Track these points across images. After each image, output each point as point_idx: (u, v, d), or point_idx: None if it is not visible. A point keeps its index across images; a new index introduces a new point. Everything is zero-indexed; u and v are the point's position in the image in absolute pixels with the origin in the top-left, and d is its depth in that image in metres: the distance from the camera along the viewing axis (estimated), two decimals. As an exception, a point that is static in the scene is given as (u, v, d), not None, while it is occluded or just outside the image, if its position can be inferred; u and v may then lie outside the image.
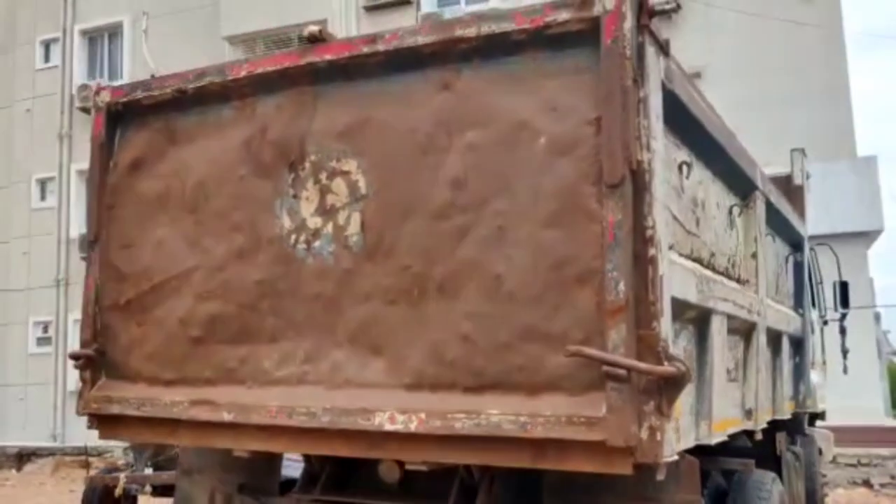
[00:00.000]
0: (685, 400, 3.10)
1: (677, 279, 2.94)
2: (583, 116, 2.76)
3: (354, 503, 3.56)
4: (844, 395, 11.57)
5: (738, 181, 4.26)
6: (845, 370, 8.60)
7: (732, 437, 4.12)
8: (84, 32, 19.40)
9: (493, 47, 2.92)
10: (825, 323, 8.53)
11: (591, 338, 2.65)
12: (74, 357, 3.66)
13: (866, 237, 13.54)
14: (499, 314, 2.81)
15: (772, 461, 5.21)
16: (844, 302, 8.54)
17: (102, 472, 9.44)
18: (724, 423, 3.71)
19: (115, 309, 3.62)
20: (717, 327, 3.54)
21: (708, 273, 3.54)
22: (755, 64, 13.74)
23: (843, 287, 8.53)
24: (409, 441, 2.92)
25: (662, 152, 2.82)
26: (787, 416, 5.47)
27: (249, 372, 3.28)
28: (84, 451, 12.87)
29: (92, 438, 13.98)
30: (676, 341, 3.07)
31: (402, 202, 3.04)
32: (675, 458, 2.76)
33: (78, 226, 17.85)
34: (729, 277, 4.02)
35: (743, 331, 4.23)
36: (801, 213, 6.73)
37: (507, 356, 2.79)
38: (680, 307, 3.01)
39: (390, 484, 3.52)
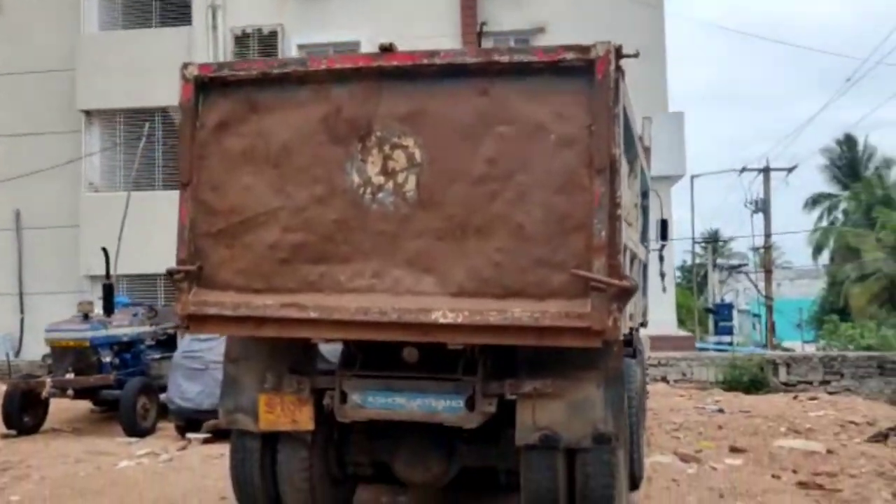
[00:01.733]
0: (618, 305, 4.84)
1: (623, 230, 4.61)
2: (581, 123, 4.31)
3: (384, 376, 5.01)
4: (650, 310, 14.18)
5: (632, 151, 6.00)
6: (664, 290, 10.90)
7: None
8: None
9: (521, 70, 4.38)
10: (649, 252, 10.74)
11: (582, 265, 4.26)
12: (173, 272, 4.80)
13: (671, 180, 16.17)
14: (520, 249, 4.35)
15: (632, 353, 7.21)
16: (664, 236, 10.77)
17: (22, 378, 10.12)
18: (627, 322, 5.50)
19: (206, 236, 4.78)
20: (629, 258, 5.29)
21: (625, 223, 5.26)
22: (589, 22, 15.76)
23: (664, 224, 10.74)
24: (455, 330, 4.42)
25: (623, 148, 4.45)
26: (641, 321, 7.47)
27: (328, 283, 4.61)
28: (7, 361, 13.20)
29: None
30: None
31: (448, 171, 4.46)
32: (622, 339, 4.49)
33: None
34: (628, 223, 5.78)
35: (631, 260, 6.04)
36: (648, 167, 8.71)
37: (525, 276, 4.35)
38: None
39: (411, 364, 4.99)
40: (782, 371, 13.42)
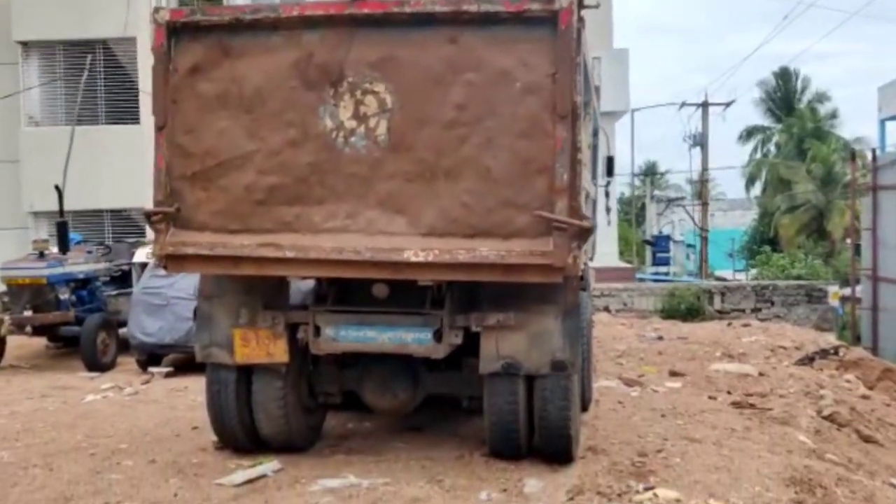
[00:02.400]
0: (576, 242, 5.19)
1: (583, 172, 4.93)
2: (545, 71, 4.56)
3: (356, 310, 5.29)
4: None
5: (587, 95, 6.27)
6: (609, 223, 11.35)
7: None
8: None
9: (487, 19, 4.59)
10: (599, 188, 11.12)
11: (544, 206, 4.57)
12: (151, 214, 4.97)
13: (615, 116, 16.57)
14: (487, 191, 4.64)
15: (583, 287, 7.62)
16: (610, 172, 11.13)
17: (-21, 316, 10.13)
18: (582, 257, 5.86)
19: (182, 179, 4.94)
20: (583, 200, 5.62)
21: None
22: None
23: (610, 161, 11.08)
24: (425, 268, 4.72)
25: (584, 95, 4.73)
26: (591, 256, 7.87)
27: (303, 224, 4.84)
28: None
29: None
30: (574, 206, 5.10)
31: (418, 116, 4.69)
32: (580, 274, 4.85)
33: None
34: (582, 165, 6.10)
35: (585, 199, 6.38)
36: (598, 107, 9.02)
37: (491, 216, 4.64)
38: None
39: (381, 299, 5.29)
40: (717, 300, 14.15)
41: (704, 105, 26.50)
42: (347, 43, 4.75)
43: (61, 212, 10.53)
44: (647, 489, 4.85)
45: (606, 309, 14.31)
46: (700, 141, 26.50)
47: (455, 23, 4.63)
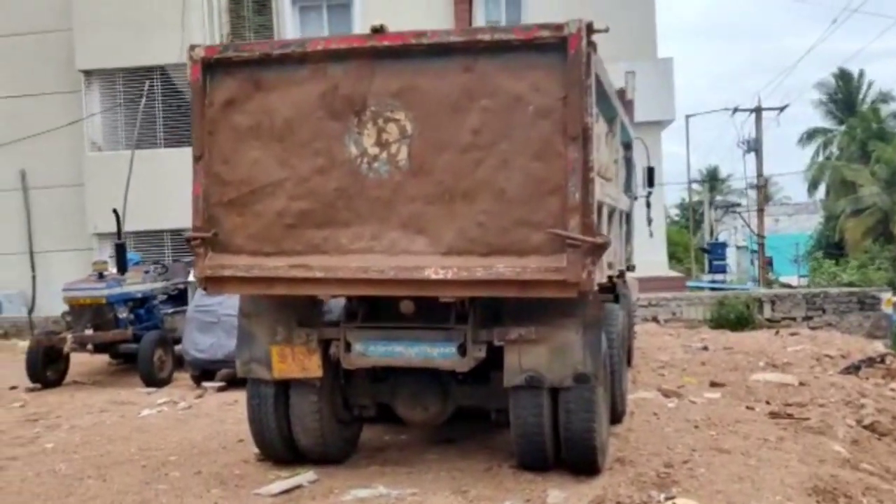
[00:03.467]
0: (595, 257, 5.34)
1: (597, 189, 5.08)
2: (556, 95, 4.74)
3: (384, 326, 5.53)
4: (640, 253, 14.71)
5: (609, 112, 6.43)
6: (651, 235, 11.38)
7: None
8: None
9: (500, 47, 4.79)
10: (635, 199, 11.19)
11: (558, 224, 4.75)
12: (191, 239, 5.29)
13: (660, 125, 16.54)
14: (502, 211, 4.83)
15: (615, 299, 7.73)
16: (650, 182, 11.22)
17: (44, 334, 10.70)
18: (605, 271, 6.00)
19: (219, 205, 5.25)
20: (605, 213, 5.77)
21: (601, 180, 5.71)
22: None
23: (650, 171, 11.18)
24: (445, 285, 4.93)
25: (596, 117, 4.89)
26: (624, 268, 7.98)
27: (331, 246, 5.10)
28: (29, 319, 13.86)
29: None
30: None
31: (437, 141, 4.92)
32: (597, 289, 5.00)
33: None
34: (606, 179, 6.24)
35: (610, 213, 6.52)
36: (631, 120, 9.13)
37: (507, 235, 4.83)
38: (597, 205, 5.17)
39: (408, 315, 5.52)
40: (767, 308, 14.00)
41: (758, 110, 26.16)
42: (370, 74, 5.01)
43: (119, 234, 11.05)
44: (668, 499, 4.96)
45: (655, 319, 14.29)
46: (754, 146, 26.16)
47: (470, 52, 4.85)
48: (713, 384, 8.69)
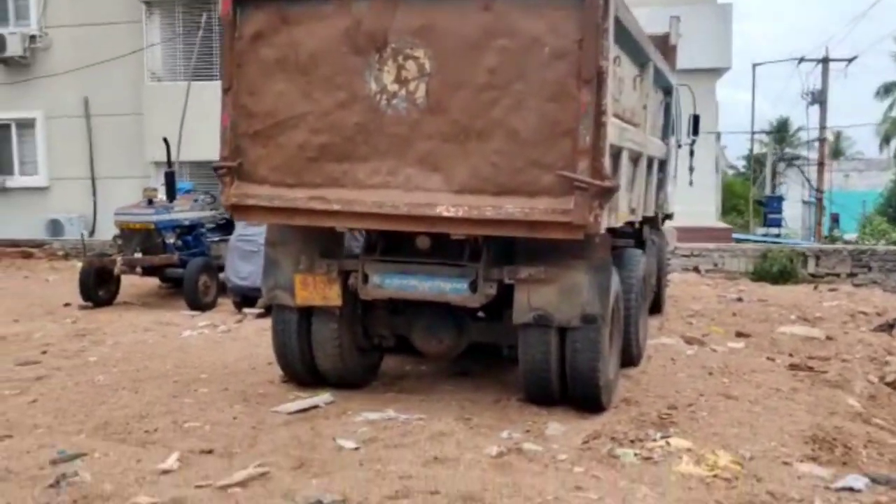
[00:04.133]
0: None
1: (611, 133, 5.12)
2: (572, 37, 4.78)
3: (400, 261, 5.73)
4: (687, 203, 14.58)
5: (639, 57, 6.40)
6: (691, 183, 11.28)
7: (623, 225, 6.56)
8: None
9: (519, -12, 4.84)
10: (679, 146, 11.08)
11: (568, 166, 4.83)
12: (218, 168, 5.52)
13: (716, 73, 16.18)
14: (515, 151, 4.93)
15: (640, 244, 7.79)
16: (696, 131, 11.08)
17: (96, 256, 11.22)
18: (621, 216, 6.06)
19: (245, 136, 5.47)
20: (624, 158, 5.81)
21: (623, 124, 5.74)
22: None
23: (696, 120, 11.03)
24: (456, 222, 5.08)
25: (613, 60, 4.92)
26: (651, 214, 7.99)
27: (349, 180, 5.27)
28: (81, 241, 14.56)
29: (19, 233, 15.55)
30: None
31: (454, 79, 5.02)
32: (603, 232, 5.10)
33: None
34: (631, 124, 6.25)
35: (635, 158, 6.54)
36: (673, 66, 9.01)
37: (518, 175, 4.94)
38: (611, 148, 5.23)
39: (423, 250, 5.70)
40: (811, 263, 13.79)
41: (825, 61, 25.27)
42: (392, 11, 5.10)
43: (169, 162, 11.41)
44: (663, 438, 5.11)
45: (696, 269, 14.20)
46: (819, 98, 25.35)
47: (489, -9, 4.90)
48: (739, 334, 8.72)
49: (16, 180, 19.10)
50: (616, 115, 5.56)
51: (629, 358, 6.93)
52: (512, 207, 4.95)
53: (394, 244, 5.80)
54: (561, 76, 4.82)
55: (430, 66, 5.06)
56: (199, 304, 10.52)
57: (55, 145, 18.77)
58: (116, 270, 10.60)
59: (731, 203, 41.12)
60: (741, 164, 50.50)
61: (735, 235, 19.60)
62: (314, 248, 5.91)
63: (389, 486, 4.24)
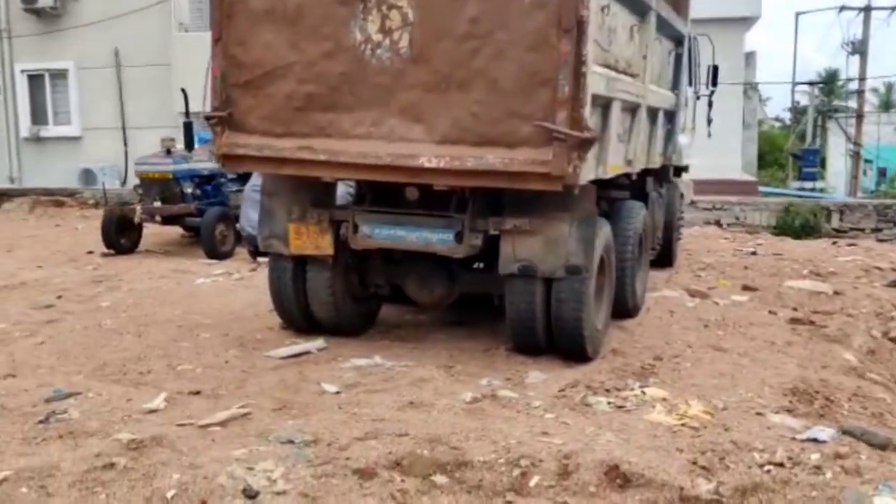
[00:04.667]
0: (592, 152, 5.41)
1: (595, 82, 5.09)
2: (551, -14, 4.75)
3: (389, 211, 5.81)
4: (712, 155, 14.39)
5: (638, 7, 6.31)
6: (710, 135, 11.11)
7: (618, 177, 6.54)
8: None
9: (499, -63, 4.80)
10: (698, 98, 10.90)
11: (547, 117, 4.84)
12: (209, 118, 5.63)
13: (745, 22, 15.80)
14: (495, 101, 4.94)
15: (642, 196, 7.76)
16: (714, 82, 10.87)
17: (118, 205, 11.49)
18: (613, 167, 6.04)
19: (235, 86, 5.54)
20: (615, 109, 5.77)
21: (613, 74, 5.69)
22: None
23: (715, 70, 10.80)
24: (438, 173, 5.13)
25: (596, 9, 4.88)
26: (656, 166, 7.93)
27: (335, 130, 5.34)
28: (102, 190, 14.88)
29: (53, 181, 15.96)
30: (592, 118, 5.30)
31: (436, 29, 5.02)
32: (584, 183, 5.10)
33: (26, 125, 18.99)
34: (626, 74, 6.19)
35: (631, 109, 6.48)
36: (685, 16, 8.83)
37: (498, 126, 4.96)
38: (596, 98, 5.20)
39: (412, 201, 5.76)
40: (835, 217, 13.58)
41: (867, 9, 24.43)
42: (376, -39, 5.10)
43: (187, 112, 11.56)
44: (641, 387, 5.18)
45: (717, 223, 14.06)
46: (859, 48, 24.58)
47: (470, -60, 4.87)
48: (745, 288, 8.68)
49: (50, 130, 19.53)
50: (606, 65, 5.53)
51: (625, 309, 6.98)
52: (492, 158, 4.98)
53: (384, 195, 5.87)
54: (541, 25, 4.80)
55: (413, 15, 5.07)
56: (216, 253, 10.75)
57: (87, 95, 19.11)
58: (136, 219, 10.87)
59: (773, 156, 40.28)
60: (787, 117, 49.32)
61: (768, 189, 19.32)
62: (306, 197, 6.01)
63: (361, 428, 4.37)
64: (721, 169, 14.94)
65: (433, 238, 5.68)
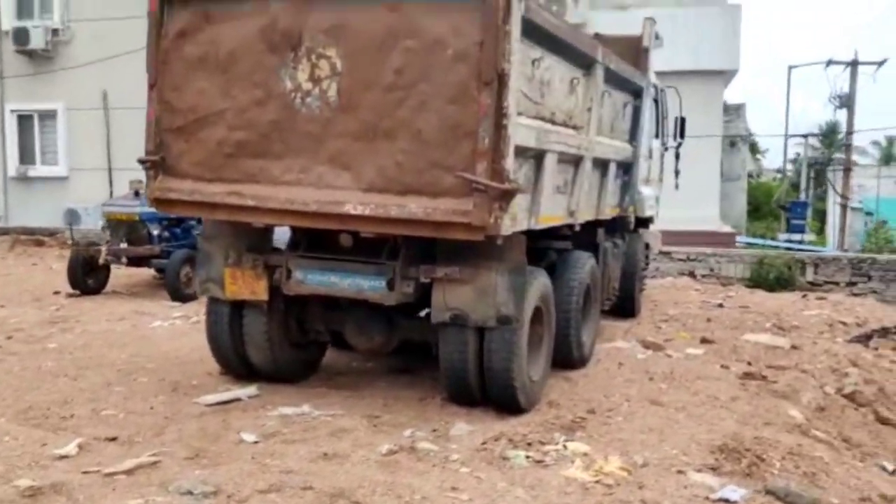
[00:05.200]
0: (523, 203, 5.41)
1: (522, 134, 5.10)
2: (473, 39, 4.79)
3: (323, 257, 5.79)
4: (689, 207, 14.43)
5: (580, 60, 6.36)
6: (677, 187, 11.14)
7: (560, 227, 6.53)
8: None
9: (424, -10, 4.86)
10: (666, 149, 10.96)
11: (468, 168, 4.84)
12: (143, 161, 5.65)
13: (723, 75, 15.94)
14: (419, 151, 4.96)
15: (592, 247, 7.73)
16: (681, 134, 10.94)
17: (84, 246, 11.49)
18: (549, 218, 6.04)
19: (169, 131, 5.58)
20: (550, 160, 5.78)
21: (547, 126, 5.71)
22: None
23: (682, 122, 10.89)
24: (363, 220, 5.13)
25: (518, 63, 4.91)
26: (607, 217, 7.92)
27: (265, 176, 5.35)
28: (69, 230, 14.89)
29: (38, 221, 15.97)
30: (521, 170, 5.31)
31: (363, 79, 5.05)
32: (509, 234, 5.08)
33: (14, 164, 19.18)
34: (566, 126, 6.21)
35: (573, 161, 6.50)
36: (645, 69, 8.92)
37: (422, 175, 4.96)
38: (524, 150, 5.22)
39: (346, 248, 5.75)
40: (810, 270, 13.53)
41: (853, 64, 24.67)
42: (306, 11, 5.16)
43: (158, 156, 11.60)
44: (565, 441, 5.10)
45: (692, 274, 14.02)
46: (846, 102, 24.75)
47: (396, -8, 4.93)
48: (703, 340, 8.61)
49: (37, 169, 19.65)
50: (539, 117, 5.57)
51: (570, 360, 6.91)
52: (415, 207, 4.98)
53: (318, 241, 5.86)
54: (462, 78, 4.83)
55: (341, 65, 5.11)
56: (180, 295, 10.71)
57: (75, 136, 19.26)
58: (101, 259, 10.87)
59: (769, 208, 40.25)
60: (790, 168, 49.39)
61: (752, 240, 19.30)
62: (243, 242, 6.00)
63: (267, 480, 4.30)
64: (698, 220, 14.94)
65: (365, 285, 5.65)
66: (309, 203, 5.19)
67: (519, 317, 5.51)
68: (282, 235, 6.17)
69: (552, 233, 6.40)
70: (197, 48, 5.46)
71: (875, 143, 52.07)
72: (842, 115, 28.82)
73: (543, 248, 6.67)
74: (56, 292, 11.23)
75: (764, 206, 39.05)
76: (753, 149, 42.66)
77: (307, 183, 5.25)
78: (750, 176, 37.78)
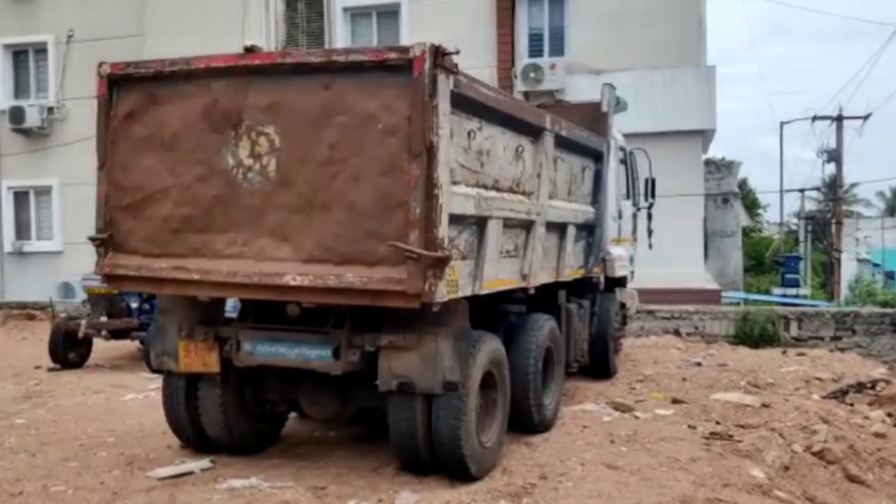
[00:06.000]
0: (464, 269, 5.50)
1: (457, 203, 5.22)
2: (403, 114, 4.94)
3: (272, 327, 5.86)
4: (673, 264, 14.48)
5: (524, 128, 6.49)
6: (650, 246, 11.21)
7: (513, 290, 6.60)
8: (8, 47, 20.18)
9: (355, 67, 5.04)
10: (637, 210, 11.07)
11: (401, 237, 4.94)
12: (93, 239, 5.77)
13: (701, 135, 16.15)
14: (354, 223, 5.07)
15: (554, 309, 7.78)
16: (652, 194, 11.07)
17: (66, 320, 11.60)
18: (497, 283, 6.10)
19: (118, 209, 5.72)
20: (493, 226, 5.87)
21: (489, 193, 5.82)
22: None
23: (652, 183, 11.03)
24: (303, 291, 5.21)
25: (448, 135, 5.05)
26: (568, 279, 7.98)
27: (209, 250, 5.46)
28: (50, 305, 14.99)
29: (34, 295, 16.12)
30: (460, 237, 5.41)
31: (300, 154, 5.20)
32: (447, 300, 5.15)
33: (10, 241, 19.73)
34: (513, 192, 6.32)
35: (524, 225, 6.59)
36: (604, 133, 9.07)
37: (358, 245, 5.07)
38: (461, 218, 5.32)
39: (293, 317, 5.82)
40: (794, 326, 13.49)
41: (839, 119, 24.97)
42: (245, 90, 5.34)
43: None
44: (509, 509, 5.08)
45: (676, 332, 13.99)
46: (834, 156, 24.98)
47: (328, 71, 5.11)
48: (675, 401, 8.57)
49: (33, 245, 19.93)
50: (478, 185, 5.68)
51: (531, 424, 6.90)
52: (352, 276, 5.06)
53: (267, 311, 5.93)
54: (393, 151, 4.97)
55: (279, 141, 5.26)
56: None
57: (70, 211, 19.54)
58: (81, 333, 10.96)
59: (769, 262, 40.26)
60: (794, 223, 49.59)
61: (738, 296, 19.27)
62: (195, 315, 6.08)
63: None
64: (682, 278, 14.97)
65: (312, 354, 5.71)
66: (251, 275, 5.29)
67: (465, 382, 5.53)
68: (236, 306, 6.26)
69: (505, 296, 6.46)
70: (143, 128, 5.63)
71: (879, 193, 52.33)
72: (847, 168, 29.08)
73: (499, 311, 6.72)
74: (38, 367, 11.30)
75: (767, 261, 39.07)
76: (755, 204, 42.89)
77: (249, 255, 5.36)
78: (751, 231, 37.92)
